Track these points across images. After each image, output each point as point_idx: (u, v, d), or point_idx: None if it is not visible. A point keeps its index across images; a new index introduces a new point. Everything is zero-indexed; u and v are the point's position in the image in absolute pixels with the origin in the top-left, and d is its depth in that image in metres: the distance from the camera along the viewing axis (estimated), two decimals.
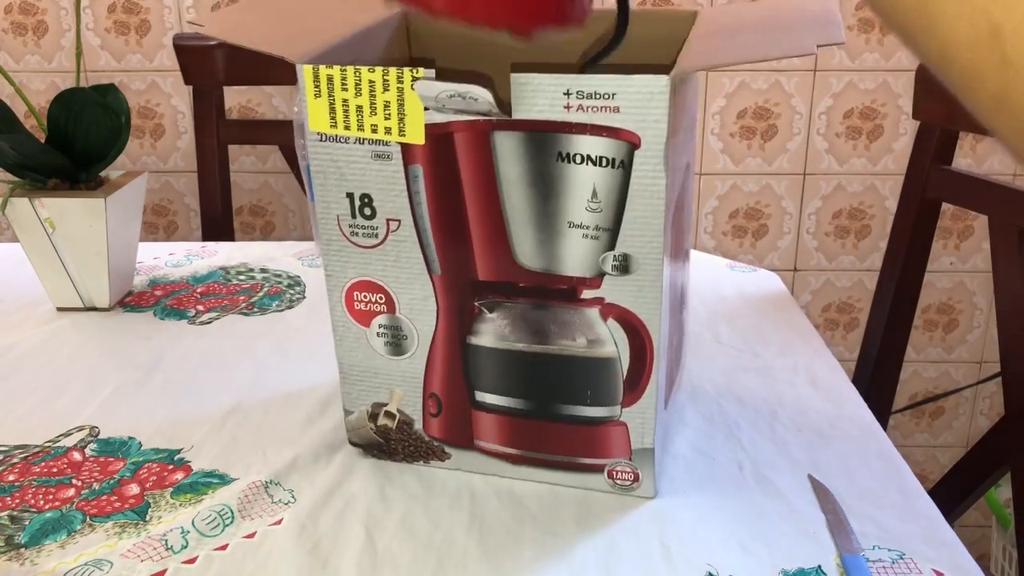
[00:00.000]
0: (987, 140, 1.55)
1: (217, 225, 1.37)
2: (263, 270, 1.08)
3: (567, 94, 0.55)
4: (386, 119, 0.58)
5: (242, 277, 1.06)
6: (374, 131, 0.59)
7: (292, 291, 1.02)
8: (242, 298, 1.00)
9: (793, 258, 1.65)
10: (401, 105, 0.58)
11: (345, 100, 0.58)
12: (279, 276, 1.06)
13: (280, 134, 1.37)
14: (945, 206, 1.11)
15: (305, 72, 0.59)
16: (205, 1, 1.52)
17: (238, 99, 1.57)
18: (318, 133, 0.60)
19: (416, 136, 0.58)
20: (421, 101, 0.57)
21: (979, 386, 1.72)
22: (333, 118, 0.59)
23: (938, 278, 1.65)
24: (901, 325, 1.11)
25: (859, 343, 1.17)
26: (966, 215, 1.61)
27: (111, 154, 0.95)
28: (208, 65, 1.32)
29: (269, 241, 1.62)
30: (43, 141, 0.93)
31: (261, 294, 1.01)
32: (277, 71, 1.36)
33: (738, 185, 1.61)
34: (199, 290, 1.02)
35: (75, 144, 0.93)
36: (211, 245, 1.16)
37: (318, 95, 0.59)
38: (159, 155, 1.62)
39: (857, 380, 1.11)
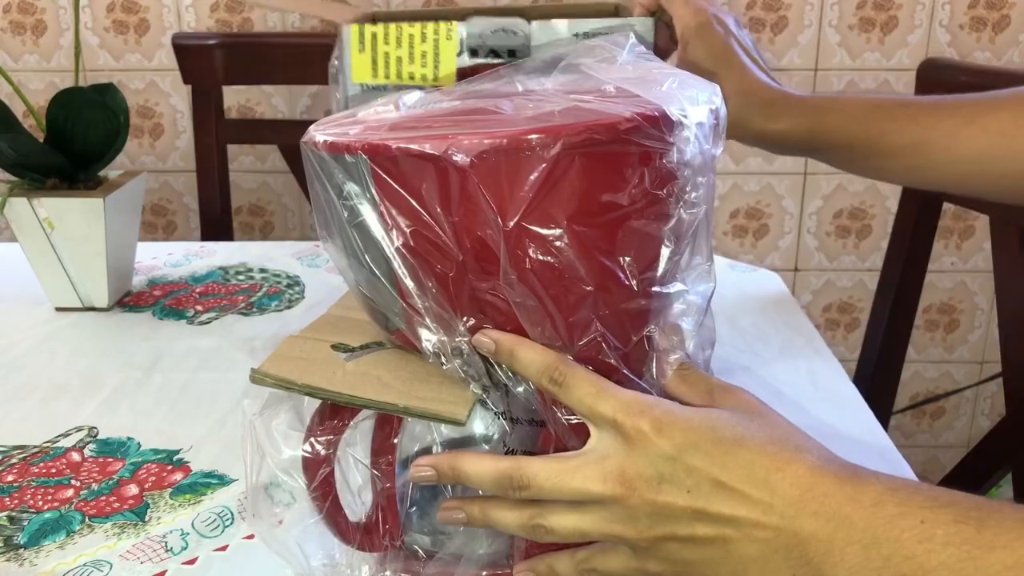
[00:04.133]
0: None
1: (216, 225, 1.36)
2: (262, 270, 1.07)
3: (576, 36, 0.65)
4: (423, 67, 0.66)
5: (241, 277, 1.06)
6: (411, 78, 0.66)
7: (291, 291, 1.02)
8: (241, 298, 1.00)
9: (794, 258, 1.65)
10: (436, 54, 0.66)
11: (386, 53, 0.67)
12: (278, 276, 1.06)
13: (279, 133, 1.37)
14: (946, 206, 1.11)
15: (352, 30, 0.66)
16: (204, 0, 1.52)
17: (237, 99, 1.56)
18: (360, 84, 0.66)
19: (448, 79, 0.66)
20: (468, 38, 0.65)
21: (980, 386, 1.72)
22: (375, 69, 0.67)
23: (939, 278, 1.65)
24: (902, 325, 1.10)
25: (860, 343, 1.17)
26: (967, 215, 1.61)
27: (110, 154, 0.95)
28: (207, 64, 1.32)
29: (268, 241, 1.61)
30: (42, 141, 0.92)
31: (260, 294, 1.01)
32: (276, 70, 1.36)
33: (739, 184, 1.61)
34: (198, 290, 1.02)
35: (74, 144, 0.93)
36: (210, 245, 1.16)
37: (362, 50, 0.66)
38: (158, 155, 1.61)
39: (858, 380, 1.11)
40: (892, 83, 1.53)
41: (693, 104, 0.46)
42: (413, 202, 0.44)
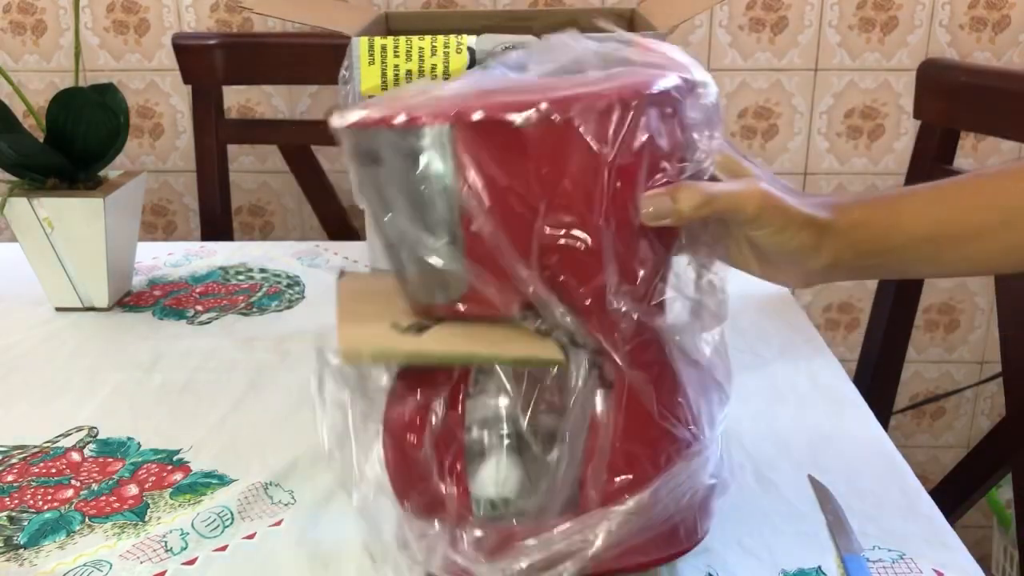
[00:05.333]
0: (988, 140, 1.54)
1: (216, 225, 1.36)
2: (262, 270, 1.07)
3: None
4: (432, 79, 0.67)
5: (241, 277, 1.06)
6: None
7: (291, 291, 1.02)
8: (241, 298, 1.00)
9: None
10: (447, 67, 0.66)
11: (396, 65, 0.67)
12: (278, 276, 1.06)
13: (280, 133, 1.37)
14: None
15: (361, 43, 0.66)
16: (204, 0, 1.52)
17: (237, 99, 1.56)
18: (370, 96, 0.67)
19: None
20: (478, 55, 0.65)
21: (980, 386, 1.71)
22: (384, 81, 0.67)
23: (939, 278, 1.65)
24: (902, 325, 1.10)
25: (860, 343, 1.17)
26: None
27: (110, 154, 0.95)
28: (207, 64, 1.32)
29: (268, 241, 1.61)
30: (42, 141, 0.92)
31: (260, 294, 1.01)
32: (276, 70, 1.36)
33: None
34: (198, 290, 1.02)
35: (74, 144, 0.93)
36: (210, 245, 1.16)
37: (372, 62, 0.66)
38: (158, 155, 1.61)
39: (858, 380, 1.11)
40: (892, 83, 1.53)
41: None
42: (502, 164, 0.46)
